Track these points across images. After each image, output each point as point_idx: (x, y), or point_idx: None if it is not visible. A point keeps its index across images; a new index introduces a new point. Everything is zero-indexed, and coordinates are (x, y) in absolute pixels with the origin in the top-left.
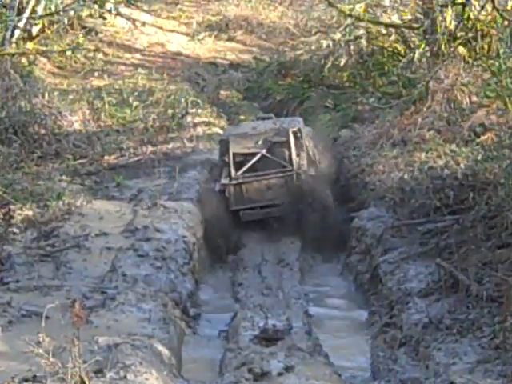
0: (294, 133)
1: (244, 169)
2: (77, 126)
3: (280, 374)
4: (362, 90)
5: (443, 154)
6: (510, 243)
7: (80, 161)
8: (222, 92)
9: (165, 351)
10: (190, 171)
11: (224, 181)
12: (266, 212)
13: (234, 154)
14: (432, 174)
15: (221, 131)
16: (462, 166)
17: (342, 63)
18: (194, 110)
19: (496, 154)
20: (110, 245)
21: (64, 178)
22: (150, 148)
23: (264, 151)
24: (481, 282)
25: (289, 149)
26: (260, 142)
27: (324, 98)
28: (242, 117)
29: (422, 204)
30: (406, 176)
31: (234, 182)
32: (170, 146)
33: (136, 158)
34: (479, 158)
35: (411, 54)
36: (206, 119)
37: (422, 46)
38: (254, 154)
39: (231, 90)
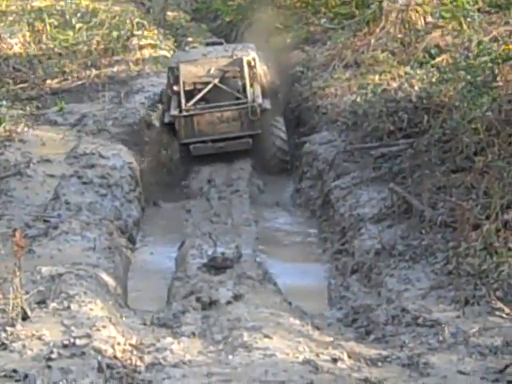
0: (248, 62)
1: (195, 99)
2: (17, 48)
3: (229, 303)
4: (314, 10)
5: (397, 76)
6: (465, 167)
7: (21, 85)
8: (168, 13)
9: (110, 281)
10: (137, 96)
11: (173, 112)
12: (219, 146)
13: (184, 83)
14: (385, 96)
15: (168, 54)
16: (416, 88)
17: None
18: (139, 32)
19: (451, 75)
20: (52, 172)
21: (4, 103)
22: (94, 71)
23: (216, 81)
24: (434, 208)
25: (243, 79)
26: (212, 71)
27: (274, 19)
28: (190, 39)
29: (375, 127)
30: (358, 99)
31: (184, 113)
32: (114, 69)
33: (79, 82)
34: (434, 80)
35: None
36: (152, 41)
37: None
38: (205, 84)
39: (178, 11)
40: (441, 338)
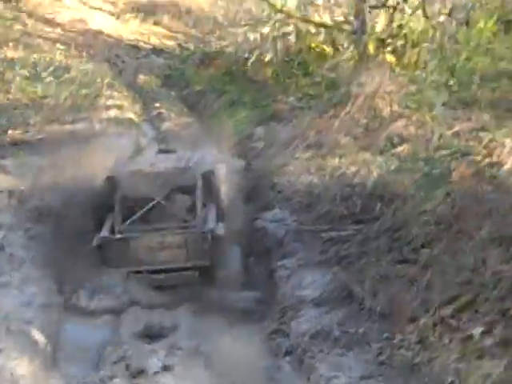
0: (204, 176)
1: (132, 219)
2: None
3: (157, 373)
4: (284, 88)
5: (357, 161)
6: (410, 259)
7: None
8: (140, 76)
9: (41, 338)
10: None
11: (105, 233)
12: (158, 279)
13: (123, 198)
14: (342, 180)
15: (134, 116)
16: (374, 174)
17: (266, 59)
18: (108, 92)
19: (410, 165)
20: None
21: None
22: (57, 126)
23: (160, 198)
24: (375, 296)
25: (194, 197)
26: (158, 185)
27: (244, 92)
28: (157, 104)
29: (328, 210)
30: (315, 180)
31: (117, 235)
32: (78, 125)
33: (40, 136)
34: (392, 168)
35: (338, 56)
36: (119, 102)
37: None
38: (147, 201)
39: (150, 76)
40: None
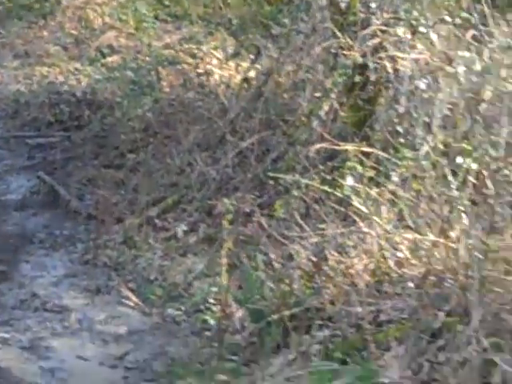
0: None
1: None
2: None
3: None
4: None
5: (66, 70)
6: (117, 164)
7: None
8: None
9: None
10: None
11: None
12: None
13: None
14: (50, 88)
15: None
16: (83, 84)
17: None
18: None
19: (118, 74)
20: None
21: None
22: None
23: None
24: (82, 199)
25: None
26: None
27: None
28: None
29: (35, 117)
30: (23, 88)
31: None
32: None
33: None
34: (101, 77)
35: None
36: None
37: None
38: None
39: None
40: (66, 324)
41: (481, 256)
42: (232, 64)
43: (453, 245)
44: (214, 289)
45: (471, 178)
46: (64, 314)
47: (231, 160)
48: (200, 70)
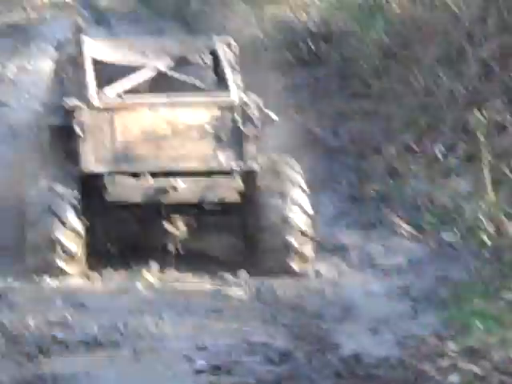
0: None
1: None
2: None
3: None
4: None
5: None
6: (362, 93)
7: None
8: None
9: None
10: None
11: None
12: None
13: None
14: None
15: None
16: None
17: None
18: None
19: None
20: None
21: None
22: None
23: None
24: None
25: None
26: None
27: None
28: None
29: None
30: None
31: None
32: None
33: None
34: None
35: None
36: None
37: None
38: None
39: None
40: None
41: None
42: None
43: None
44: (484, 207)
45: None
46: (344, 251)
47: (475, 70)
48: None
